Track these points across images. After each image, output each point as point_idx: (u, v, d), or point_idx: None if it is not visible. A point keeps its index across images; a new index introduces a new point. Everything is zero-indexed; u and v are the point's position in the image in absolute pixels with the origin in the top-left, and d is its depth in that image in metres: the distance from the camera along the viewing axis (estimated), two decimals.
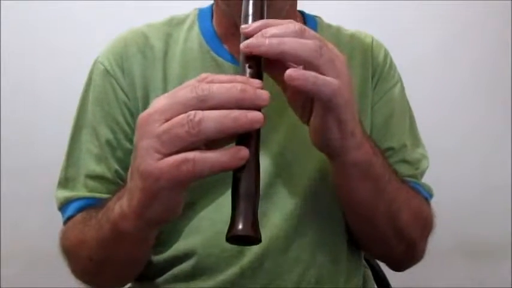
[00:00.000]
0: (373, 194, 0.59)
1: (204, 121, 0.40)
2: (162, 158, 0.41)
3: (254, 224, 0.41)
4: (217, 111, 0.40)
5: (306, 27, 0.47)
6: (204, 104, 0.40)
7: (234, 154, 0.40)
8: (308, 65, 0.46)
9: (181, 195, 0.45)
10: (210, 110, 0.40)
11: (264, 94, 0.42)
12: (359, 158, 0.55)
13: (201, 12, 0.74)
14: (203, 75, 0.43)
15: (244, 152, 0.40)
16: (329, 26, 0.78)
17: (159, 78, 0.68)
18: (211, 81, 0.42)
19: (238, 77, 0.44)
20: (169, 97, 0.42)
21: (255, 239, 0.41)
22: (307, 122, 0.53)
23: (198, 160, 0.40)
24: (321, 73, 0.46)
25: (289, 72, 0.44)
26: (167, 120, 0.41)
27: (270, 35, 0.46)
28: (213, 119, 0.40)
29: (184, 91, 0.42)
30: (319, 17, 0.78)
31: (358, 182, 0.58)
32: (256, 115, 0.40)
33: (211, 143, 0.42)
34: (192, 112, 0.40)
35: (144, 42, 0.70)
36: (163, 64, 0.69)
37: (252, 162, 0.42)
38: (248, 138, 0.42)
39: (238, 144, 0.42)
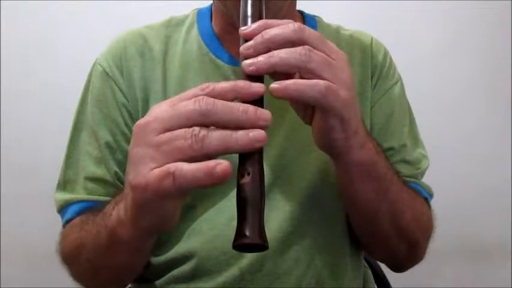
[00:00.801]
0: (376, 194, 0.59)
1: (208, 138, 0.39)
2: (156, 168, 0.40)
3: (261, 231, 0.42)
4: (220, 131, 0.40)
5: (306, 26, 0.48)
6: (206, 118, 0.40)
7: (209, 170, 0.39)
8: (300, 70, 0.46)
9: (174, 207, 0.45)
10: (211, 125, 0.40)
11: (265, 114, 0.41)
12: (362, 157, 0.54)
13: (200, 12, 0.74)
14: (204, 85, 0.42)
15: (220, 167, 0.39)
16: (328, 25, 0.78)
17: (159, 79, 0.68)
18: (214, 91, 0.42)
19: (240, 83, 0.43)
20: (170, 106, 0.42)
21: (262, 247, 0.42)
22: (309, 123, 0.53)
23: (177, 175, 0.39)
24: (315, 75, 0.46)
25: (270, 87, 0.45)
26: (167, 130, 0.41)
27: (270, 35, 0.46)
28: (216, 138, 0.39)
29: (187, 102, 0.41)
30: (319, 17, 0.78)
31: (362, 182, 0.58)
32: (258, 135, 0.40)
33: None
34: (197, 128, 0.40)
35: (143, 43, 0.70)
36: (163, 66, 0.69)
37: (256, 169, 0.42)
38: None
39: (240, 153, 0.42)
